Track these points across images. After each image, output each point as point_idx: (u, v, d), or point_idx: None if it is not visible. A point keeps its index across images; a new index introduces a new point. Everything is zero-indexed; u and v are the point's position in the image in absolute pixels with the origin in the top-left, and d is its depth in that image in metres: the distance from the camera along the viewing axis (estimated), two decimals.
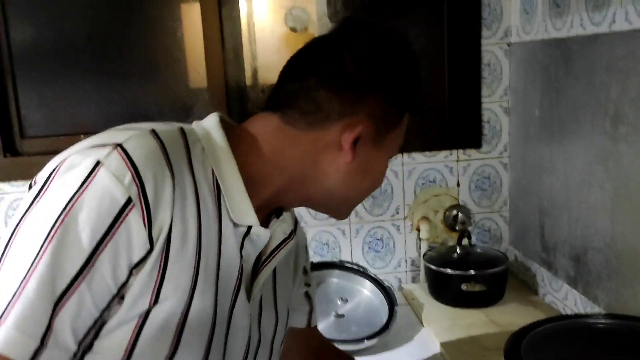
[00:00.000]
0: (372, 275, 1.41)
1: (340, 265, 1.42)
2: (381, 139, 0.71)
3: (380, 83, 0.70)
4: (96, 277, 0.55)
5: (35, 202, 0.57)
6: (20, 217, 0.57)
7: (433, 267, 1.43)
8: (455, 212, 1.55)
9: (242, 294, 0.68)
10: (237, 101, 1.51)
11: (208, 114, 0.71)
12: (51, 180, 0.57)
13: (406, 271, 1.60)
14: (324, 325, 1.29)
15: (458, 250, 1.47)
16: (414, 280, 1.60)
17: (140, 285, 0.57)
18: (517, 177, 1.54)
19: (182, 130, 0.65)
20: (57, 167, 0.58)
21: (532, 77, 1.39)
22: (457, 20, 1.49)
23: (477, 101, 1.52)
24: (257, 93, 1.53)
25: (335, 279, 1.41)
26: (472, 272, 1.38)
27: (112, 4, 1.45)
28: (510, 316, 1.33)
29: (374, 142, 0.70)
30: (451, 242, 1.57)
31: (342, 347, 1.22)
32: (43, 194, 0.57)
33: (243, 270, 0.68)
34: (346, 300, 1.37)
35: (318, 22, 1.49)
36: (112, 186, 0.55)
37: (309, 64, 0.71)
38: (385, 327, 1.27)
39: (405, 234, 1.58)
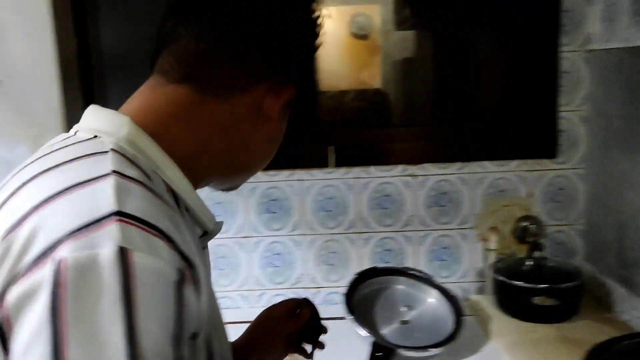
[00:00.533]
0: (439, 284, 1.39)
1: (406, 272, 1.41)
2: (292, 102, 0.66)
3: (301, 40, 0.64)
4: None
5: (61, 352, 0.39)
6: None
7: (502, 278, 1.40)
8: (526, 223, 1.51)
9: None
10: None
11: None
12: (62, 305, 0.40)
13: (472, 282, 1.57)
14: (389, 331, 1.29)
15: (529, 263, 1.43)
16: (481, 291, 1.57)
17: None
18: (594, 189, 1.48)
19: (120, 154, 0.52)
20: (41, 283, 0.41)
21: (614, 85, 1.34)
22: (534, 26, 1.45)
23: (553, 109, 1.48)
24: (324, 99, 1.54)
25: (400, 285, 1.41)
26: (544, 285, 1.34)
27: None
28: (583, 333, 1.28)
29: (287, 105, 0.65)
30: (520, 254, 1.52)
31: (406, 353, 1.21)
32: (66, 333, 0.39)
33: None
34: (411, 308, 1.36)
35: (381, 29, 1.50)
36: (157, 266, 0.43)
37: (215, 21, 0.59)
38: (452, 336, 1.25)
39: (472, 243, 1.55)
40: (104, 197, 0.45)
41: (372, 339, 1.21)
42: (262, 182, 1.52)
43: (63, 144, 0.55)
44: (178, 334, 0.44)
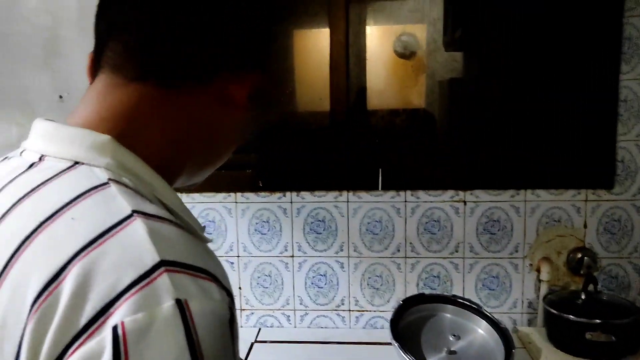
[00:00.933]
0: (488, 314, 1.35)
1: (454, 300, 1.38)
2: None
3: (261, 25, 0.60)
4: None
5: None
6: None
7: (554, 311, 1.35)
8: (580, 254, 1.46)
9: None
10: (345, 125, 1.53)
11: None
12: None
13: (522, 313, 1.52)
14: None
15: (583, 296, 1.38)
16: (531, 323, 1.52)
17: None
18: None
19: (121, 184, 0.48)
20: (102, 350, 0.39)
21: None
22: (592, 53, 1.42)
23: (611, 139, 1.43)
24: (374, 120, 1.54)
25: (448, 314, 1.37)
26: (598, 320, 1.29)
27: None
28: None
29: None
30: (573, 287, 1.48)
31: None
32: None
33: None
34: (459, 337, 1.32)
35: (427, 48, 1.49)
36: (214, 310, 0.43)
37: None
38: None
39: (523, 273, 1.51)
40: (143, 247, 0.42)
41: None
42: (309, 202, 1.52)
43: (37, 177, 0.49)
44: None
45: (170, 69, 0.54)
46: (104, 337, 0.39)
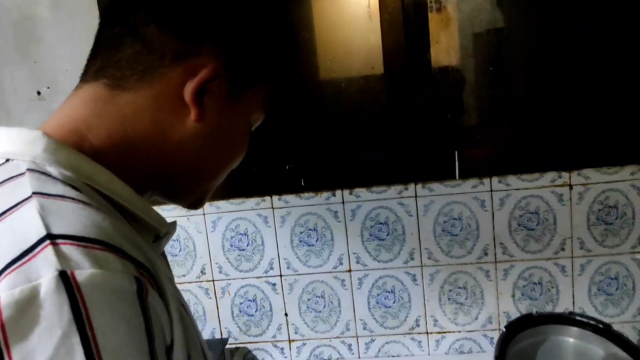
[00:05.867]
0: (620, 335, 1.01)
1: (573, 319, 1.04)
2: (238, 91, 0.55)
3: (231, 12, 0.55)
4: None
5: None
6: None
7: None
8: None
9: None
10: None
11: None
12: (6, 350, 0.36)
13: None
14: None
15: None
16: None
17: None
18: None
19: (39, 172, 0.46)
20: None
21: None
22: None
23: None
24: (446, 87, 1.19)
25: (566, 337, 1.04)
26: None
27: None
28: None
29: (229, 95, 0.55)
30: None
31: None
32: None
33: None
34: None
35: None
36: (108, 279, 0.39)
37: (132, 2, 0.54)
38: None
39: None
40: (30, 223, 0.41)
41: None
42: (365, 201, 1.19)
43: None
44: (150, 348, 0.40)
45: (116, 68, 0.52)
46: None
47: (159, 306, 0.43)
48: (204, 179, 0.59)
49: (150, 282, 0.42)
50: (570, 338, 1.04)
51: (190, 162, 0.55)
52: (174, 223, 0.57)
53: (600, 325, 1.03)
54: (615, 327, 1.03)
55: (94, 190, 0.48)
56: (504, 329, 1.01)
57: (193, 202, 0.61)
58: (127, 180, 0.51)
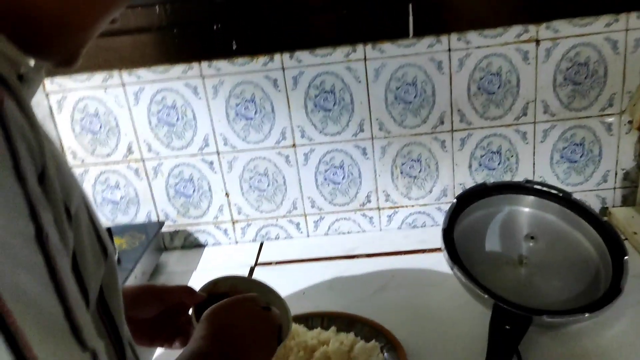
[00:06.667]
0: (581, 203, 0.94)
1: (529, 188, 0.96)
2: None
3: None
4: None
5: None
6: None
7: None
8: None
9: None
10: None
11: None
12: None
13: (615, 188, 1.11)
14: (512, 283, 0.88)
15: None
16: (626, 200, 1.12)
17: None
18: None
19: None
20: None
21: None
22: None
23: None
24: None
25: (522, 207, 0.97)
26: None
27: None
28: None
29: None
30: None
31: (553, 320, 0.81)
32: None
33: None
34: (536, 239, 0.93)
35: None
36: None
37: None
38: (615, 289, 0.82)
39: (619, 135, 1.07)
40: None
41: (491, 301, 0.81)
42: (308, 66, 1.05)
43: None
44: (14, 163, 0.35)
45: None
46: None
47: (20, 118, 0.37)
48: (75, 25, 0.47)
49: (7, 93, 0.36)
50: (526, 208, 0.97)
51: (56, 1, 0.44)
52: (39, 66, 0.47)
53: (560, 194, 0.95)
54: (577, 195, 0.96)
55: None
56: (455, 200, 0.93)
57: (66, 58, 0.48)
58: None
